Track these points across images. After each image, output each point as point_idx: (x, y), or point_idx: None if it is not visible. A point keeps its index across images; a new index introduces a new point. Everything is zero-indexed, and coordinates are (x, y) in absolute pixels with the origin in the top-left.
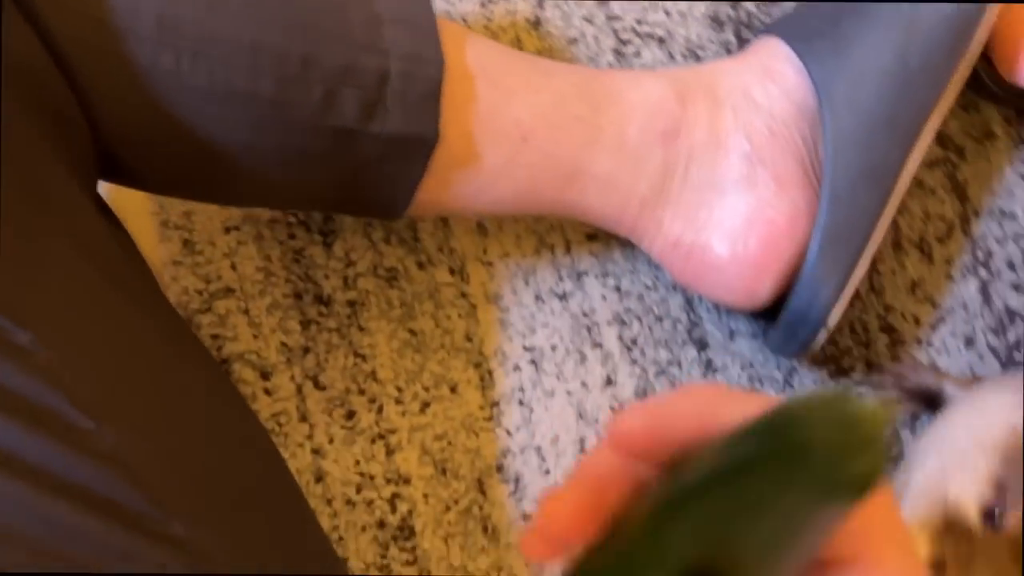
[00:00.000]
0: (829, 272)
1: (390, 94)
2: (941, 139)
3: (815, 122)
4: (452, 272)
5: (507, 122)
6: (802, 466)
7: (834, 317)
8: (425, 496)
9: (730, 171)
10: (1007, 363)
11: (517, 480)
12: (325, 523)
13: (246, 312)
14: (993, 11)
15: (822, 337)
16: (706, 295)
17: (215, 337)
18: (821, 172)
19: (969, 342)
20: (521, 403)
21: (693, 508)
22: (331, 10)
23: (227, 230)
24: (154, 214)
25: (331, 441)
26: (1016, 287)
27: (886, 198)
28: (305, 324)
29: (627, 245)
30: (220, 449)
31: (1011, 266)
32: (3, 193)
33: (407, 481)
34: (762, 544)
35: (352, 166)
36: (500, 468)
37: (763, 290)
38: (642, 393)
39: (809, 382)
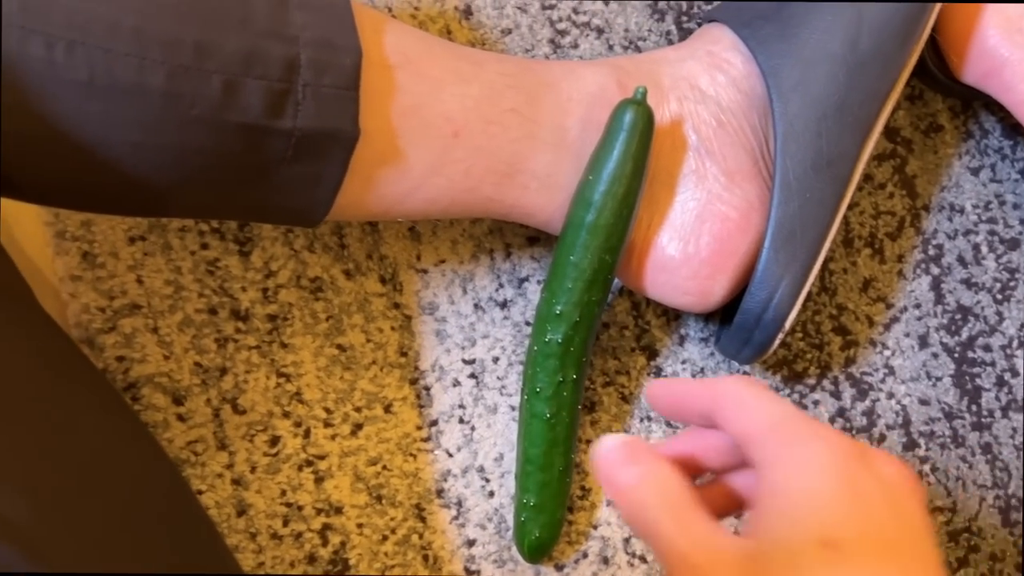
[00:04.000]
0: (784, 268)
1: (300, 86)
2: (888, 132)
3: (765, 112)
4: (383, 281)
5: (435, 115)
6: None
7: (791, 318)
8: (359, 526)
9: (677, 165)
10: (961, 362)
11: (459, 504)
12: (249, 560)
13: (155, 331)
14: None
15: (778, 340)
16: (656, 298)
17: (121, 359)
18: (773, 165)
19: (923, 342)
20: (462, 420)
21: None
22: None
23: (131, 240)
24: (48, 224)
25: (253, 470)
26: (968, 283)
27: (841, 189)
28: (221, 342)
29: None
30: (114, 494)
31: (962, 262)
32: None
33: (339, 511)
34: None
35: (261, 167)
36: (440, 492)
37: (717, 290)
38: (590, 406)
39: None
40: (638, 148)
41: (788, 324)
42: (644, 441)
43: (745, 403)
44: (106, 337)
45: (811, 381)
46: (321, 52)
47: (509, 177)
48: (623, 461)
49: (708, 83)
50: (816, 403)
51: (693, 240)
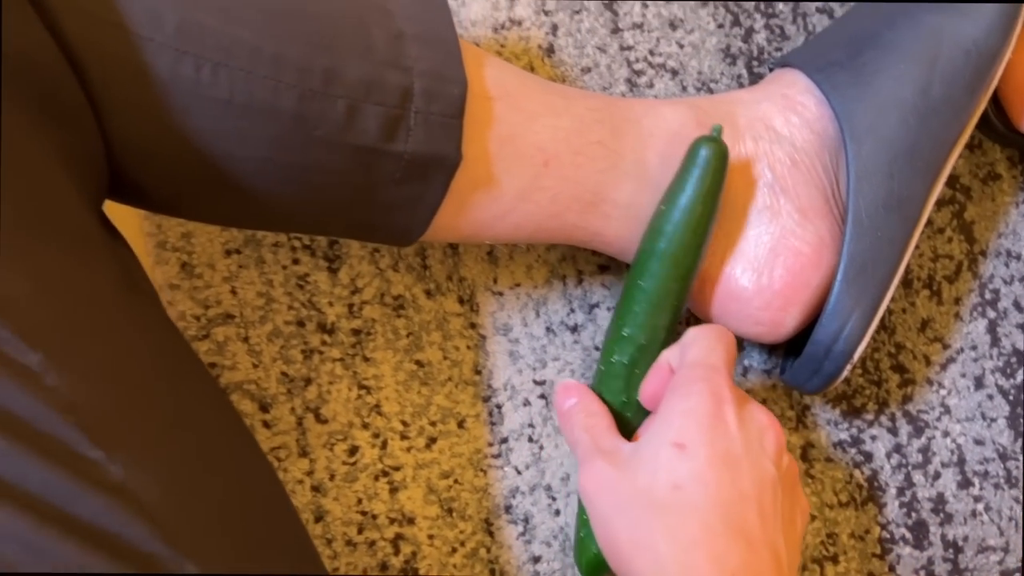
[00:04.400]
0: (856, 302)
1: (412, 112)
2: (949, 179)
3: (836, 153)
4: (461, 302)
5: (528, 145)
6: None
7: (860, 350)
8: (430, 537)
9: (752, 201)
10: (1015, 404)
11: (526, 520)
12: (324, 565)
13: (246, 340)
14: (1009, 51)
15: (847, 371)
16: (727, 327)
17: (212, 366)
18: (843, 204)
19: (979, 383)
20: (531, 439)
21: None
22: (354, 25)
23: (228, 253)
24: (151, 235)
25: (332, 478)
26: (1023, 328)
27: (910, 229)
28: (307, 353)
29: None
30: (233, 480)
31: (1018, 307)
32: (6, 208)
33: (411, 521)
34: None
35: (371, 186)
36: (508, 508)
37: (788, 321)
38: None
39: (823, 420)
40: (712, 182)
41: (857, 355)
42: (583, 384)
43: (685, 351)
44: (200, 344)
45: (869, 416)
46: (432, 82)
47: (593, 206)
48: (565, 394)
49: (782, 124)
50: (873, 438)
51: (767, 272)
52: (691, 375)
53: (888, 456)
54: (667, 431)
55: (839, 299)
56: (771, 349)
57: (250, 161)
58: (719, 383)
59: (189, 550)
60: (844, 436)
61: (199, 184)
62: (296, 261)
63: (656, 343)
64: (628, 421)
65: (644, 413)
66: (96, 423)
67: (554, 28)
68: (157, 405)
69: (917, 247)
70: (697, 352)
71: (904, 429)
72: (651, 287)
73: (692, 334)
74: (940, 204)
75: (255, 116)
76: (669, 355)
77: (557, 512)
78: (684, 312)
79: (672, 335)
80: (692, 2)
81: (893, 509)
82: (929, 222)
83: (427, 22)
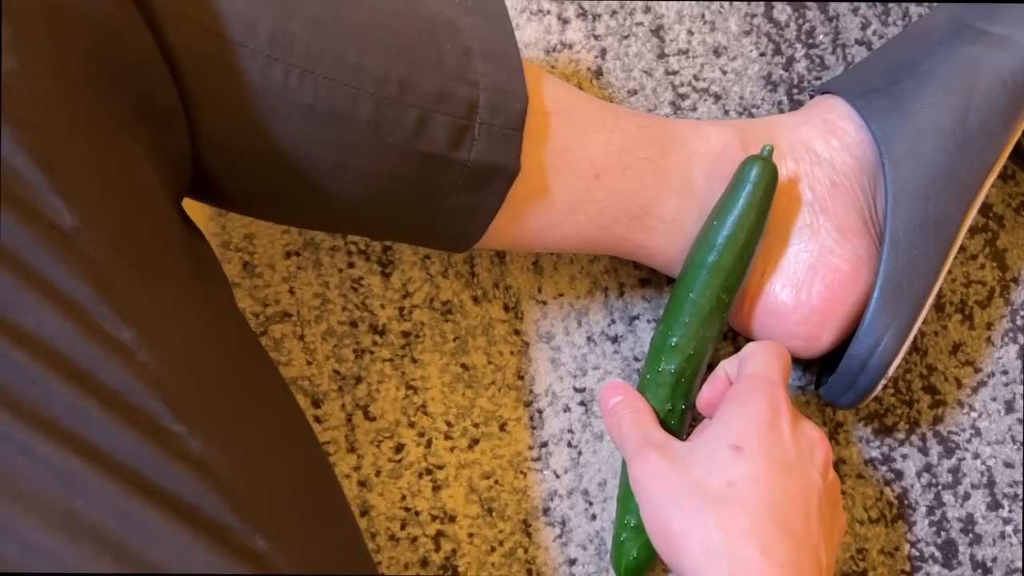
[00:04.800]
0: (891, 318)
1: (477, 124)
2: (982, 207)
3: (874, 176)
4: (507, 309)
5: (581, 159)
6: None
7: (895, 365)
8: (470, 536)
9: (792, 219)
10: None
11: (563, 523)
12: (370, 554)
13: (301, 338)
14: None
15: (881, 386)
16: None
17: None
18: (880, 225)
19: (1009, 407)
20: (570, 445)
21: None
22: (427, 41)
23: (288, 255)
24: (215, 235)
25: (378, 474)
26: None
27: (946, 249)
28: (359, 353)
29: None
30: (296, 465)
31: None
32: (101, 196)
33: (453, 519)
34: None
35: (435, 192)
36: (547, 510)
37: (825, 337)
38: None
39: (855, 437)
40: (762, 199)
41: (891, 371)
42: (629, 384)
43: (744, 362)
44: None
45: (900, 435)
46: (496, 96)
47: (640, 219)
48: (611, 392)
49: (823, 147)
50: (904, 456)
51: (805, 288)
52: (750, 385)
53: (918, 475)
54: (725, 434)
55: (875, 315)
56: (806, 365)
57: (327, 163)
58: (777, 395)
59: (259, 524)
60: (875, 454)
61: (278, 184)
62: (352, 265)
63: (702, 353)
64: (671, 429)
65: (686, 422)
66: (179, 400)
67: (603, 52)
68: (230, 389)
69: (950, 272)
70: (756, 365)
71: (935, 449)
72: (701, 298)
73: (751, 348)
74: (973, 231)
75: (335, 121)
76: (727, 365)
77: (593, 516)
78: (726, 324)
79: (715, 347)
80: (736, 30)
81: (923, 527)
82: (962, 248)
83: (493, 41)
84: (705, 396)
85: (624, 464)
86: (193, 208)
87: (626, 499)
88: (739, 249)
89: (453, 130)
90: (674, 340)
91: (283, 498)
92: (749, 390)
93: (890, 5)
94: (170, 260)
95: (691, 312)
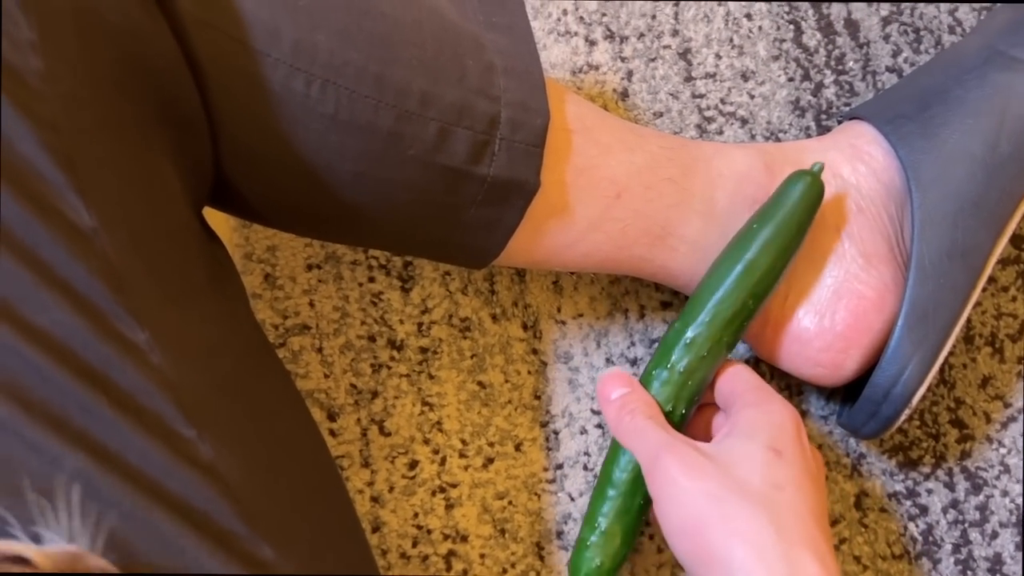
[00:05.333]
0: (916, 347)
1: (498, 139)
2: (1014, 238)
3: (902, 203)
4: (525, 328)
5: (602, 177)
6: None
7: (919, 395)
8: (482, 556)
9: (817, 244)
10: None
11: None
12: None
13: (320, 350)
14: None
15: (904, 416)
16: (788, 368)
17: None
18: (907, 252)
19: None
20: (586, 468)
21: None
22: (450, 55)
23: (309, 267)
24: (238, 246)
25: (391, 490)
26: None
27: (974, 279)
28: (376, 367)
29: None
30: (307, 476)
31: None
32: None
33: (464, 539)
34: None
35: (454, 206)
36: (560, 534)
37: (849, 364)
38: None
39: (877, 470)
40: (804, 213)
41: (915, 401)
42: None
43: (739, 373)
44: (276, 352)
45: (926, 469)
46: (518, 112)
47: (661, 239)
48: (615, 383)
49: (850, 172)
50: (930, 491)
51: (829, 314)
52: (774, 396)
53: (944, 511)
54: (760, 435)
55: (899, 343)
56: (828, 395)
57: (347, 175)
58: (796, 413)
59: (266, 533)
60: (899, 487)
61: (298, 194)
62: (372, 279)
63: (715, 358)
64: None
65: (683, 428)
66: (191, 403)
67: (629, 74)
68: (243, 396)
69: (980, 304)
70: (746, 379)
71: (961, 485)
72: (727, 298)
73: (731, 370)
74: (1005, 263)
75: (355, 132)
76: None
77: None
78: (741, 336)
79: (727, 355)
80: (764, 55)
81: (948, 566)
82: (993, 280)
83: (516, 57)
84: (726, 387)
85: (612, 460)
86: (217, 219)
87: (601, 501)
88: (776, 253)
89: (473, 144)
90: (690, 337)
91: (292, 508)
92: (773, 398)
93: (922, 33)
94: (188, 264)
95: (713, 312)
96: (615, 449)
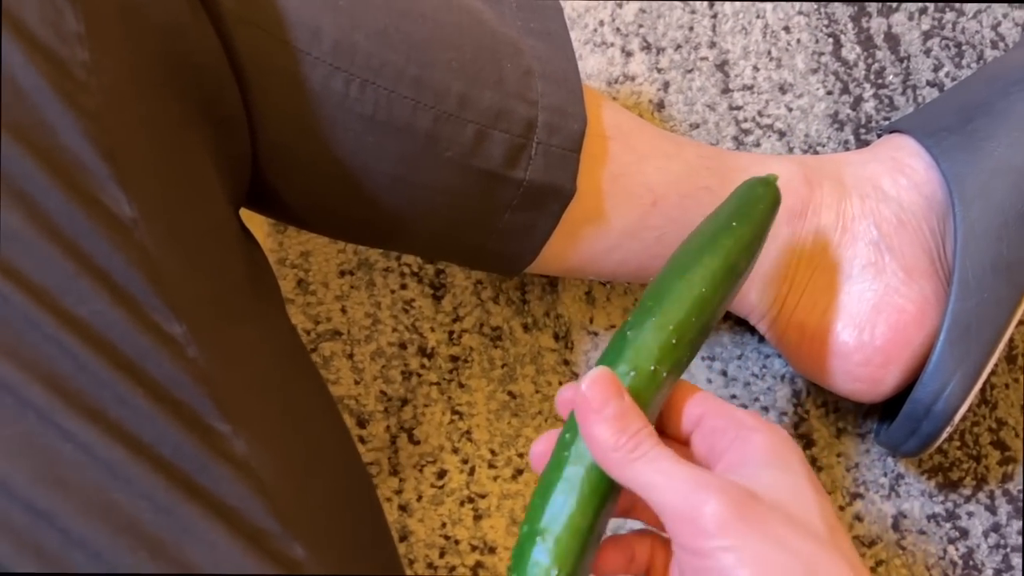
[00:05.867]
0: (958, 362)
1: (535, 143)
2: None
3: (944, 216)
4: (557, 338)
5: (638, 184)
6: None
7: (961, 412)
8: (509, 569)
9: (857, 257)
10: None
11: None
12: None
13: (351, 356)
14: None
15: (945, 434)
16: (825, 383)
17: None
18: (949, 266)
19: None
20: None
21: None
22: (489, 58)
23: (342, 274)
24: (272, 251)
25: (419, 499)
26: None
27: (1018, 295)
28: (407, 375)
29: (735, 330)
30: (339, 478)
31: None
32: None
33: (492, 550)
34: None
35: (489, 210)
36: None
37: (888, 379)
38: None
39: (916, 491)
40: (763, 216)
41: (957, 418)
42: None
43: (707, 396)
44: None
45: (966, 491)
46: (555, 117)
47: None
48: (606, 391)
49: (890, 185)
50: (970, 514)
51: (868, 328)
52: (783, 435)
53: (985, 535)
54: (794, 466)
55: (941, 358)
56: (866, 413)
57: (383, 176)
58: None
59: (298, 532)
60: (939, 509)
61: (334, 196)
62: (404, 286)
63: (675, 378)
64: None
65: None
66: (226, 398)
67: (666, 85)
68: (278, 394)
69: (1023, 323)
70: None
71: (1003, 508)
72: (695, 278)
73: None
74: None
75: (393, 133)
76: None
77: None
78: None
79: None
80: (803, 68)
81: None
82: None
83: (554, 63)
84: (696, 411)
85: (561, 455)
86: (252, 224)
87: (542, 499)
88: (742, 247)
89: (510, 148)
90: (645, 349)
91: (324, 509)
92: (768, 423)
93: (964, 47)
94: (225, 260)
95: (681, 294)
96: (568, 441)
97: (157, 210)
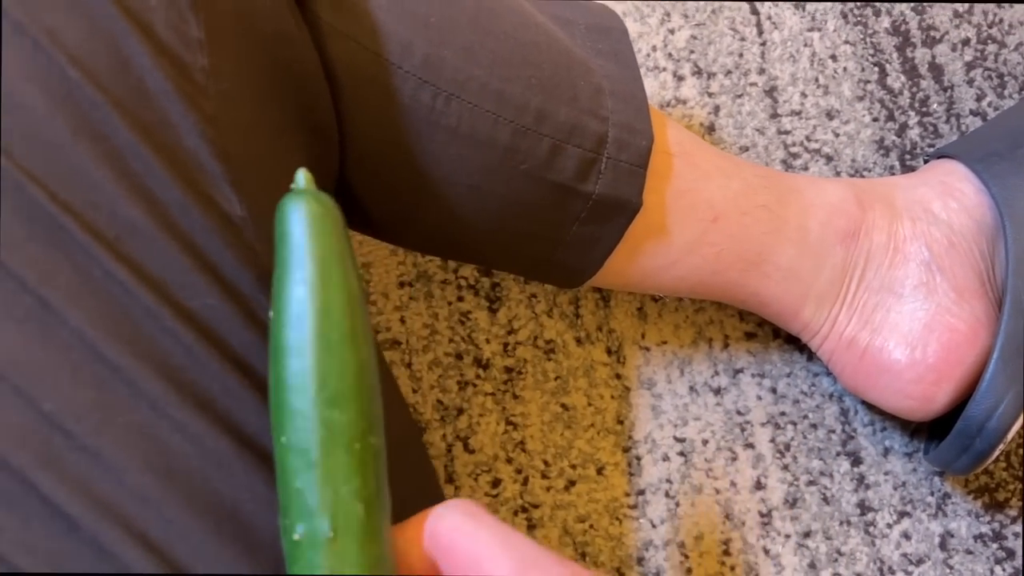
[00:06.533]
0: (1011, 381)
1: (605, 158)
2: None
3: (993, 239)
4: (609, 352)
5: (700, 201)
6: None
7: (1014, 430)
8: None
9: (908, 277)
10: None
11: (657, 575)
12: None
13: (409, 365)
14: None
15: (997, 452)
16: (876, 400)
17: None
18: (1000, 290)
19: None
20: (667, 495)
21: None
22: (564, 76)
23: (401, 285)
24: None
25: None
26: None
27: None
28: (462, 385)
29: (785, 348)
30: (418, 481)
31: None
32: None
33: None
34: None
35: (558, 222)
36: (641, 560)
37: (940, 397)
38: (791, 501)
39: (963, 510)
40: (319, 246)
41: (1010, 436)
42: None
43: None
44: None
45: (1012, 512)
46: (624, 133)
47: (755, 265)
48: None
49: (940, 208)
50: (1017, 535)
51: (920, 347)
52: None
53: None
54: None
55: (994, 376)
56: (913, 432)
57: (462, 186)
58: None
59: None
60: (985, 529)
61: (415, 205)
62: (461, 298)
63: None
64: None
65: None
66: None
67: (716, 109)
68: None
69: None
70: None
71: None
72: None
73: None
74: None
75: (474, 145)
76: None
77: (688, 571)
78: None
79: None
80: (849, 95)
81: None
82: None
83: (622, 81)
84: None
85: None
86: None
87: (287, 485)
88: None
89: (582, 162)
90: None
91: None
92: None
93: (1006, 78)
94: None
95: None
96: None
97: (263, 211)
